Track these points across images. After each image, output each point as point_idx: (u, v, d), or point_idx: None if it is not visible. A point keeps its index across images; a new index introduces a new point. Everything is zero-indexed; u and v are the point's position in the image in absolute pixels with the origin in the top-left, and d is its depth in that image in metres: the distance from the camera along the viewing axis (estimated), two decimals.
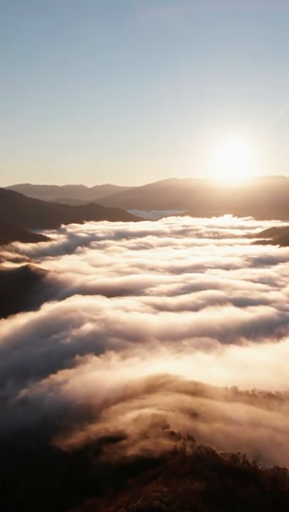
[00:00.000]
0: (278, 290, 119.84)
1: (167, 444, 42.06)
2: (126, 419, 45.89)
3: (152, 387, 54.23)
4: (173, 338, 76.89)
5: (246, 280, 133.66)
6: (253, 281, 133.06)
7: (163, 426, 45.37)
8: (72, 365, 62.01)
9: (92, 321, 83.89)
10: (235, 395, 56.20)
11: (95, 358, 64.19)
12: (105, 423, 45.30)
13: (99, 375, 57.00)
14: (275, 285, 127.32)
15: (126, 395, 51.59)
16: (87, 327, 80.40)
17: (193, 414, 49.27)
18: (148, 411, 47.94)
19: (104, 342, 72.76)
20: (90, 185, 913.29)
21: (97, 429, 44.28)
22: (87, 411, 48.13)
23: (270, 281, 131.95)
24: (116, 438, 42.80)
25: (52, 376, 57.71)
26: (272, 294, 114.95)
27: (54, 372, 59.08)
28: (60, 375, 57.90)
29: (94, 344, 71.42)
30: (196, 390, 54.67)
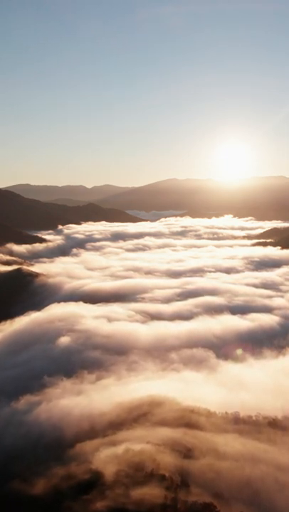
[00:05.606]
0: (282, 296, 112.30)
1: (153, 494, 34.77)
2: (101, 459, 38.53)
3: (133, 416, 46.70)
4: (162, 353, 69.02)
5: (248, 285, 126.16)
6: (256, 286, 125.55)
7: (149, 468, 38.06)
8: (38, 389, 53.46)
9: (71, 332, 75.22)
10: (231, 423, 48.99)
11: (65, 380, 55.70)
12: (75, 466, 37.92)
13: (68, 403, 48.76)
14: (279, 290, 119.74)
15: (100, 428, 43.98)
16: (63, 341, 71.97)
17: (184, 451, 42.08)
18: (128, 448, 40.64)
19: (80, 359, 64.37)
20: (89, 186, 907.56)
21: (64, 473, 36.93)
22: (53, 449, 40.64)
23: (274, 287, 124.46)
24: (88, 486, 35.55)
25: (13, 404, 49.44)
26: (276, 301, 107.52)
27: (16, 399, 50.66)
28: (23, 403, 49.64)
29: (68, 362, 63.08)
30: (185, 419, 47.38)
